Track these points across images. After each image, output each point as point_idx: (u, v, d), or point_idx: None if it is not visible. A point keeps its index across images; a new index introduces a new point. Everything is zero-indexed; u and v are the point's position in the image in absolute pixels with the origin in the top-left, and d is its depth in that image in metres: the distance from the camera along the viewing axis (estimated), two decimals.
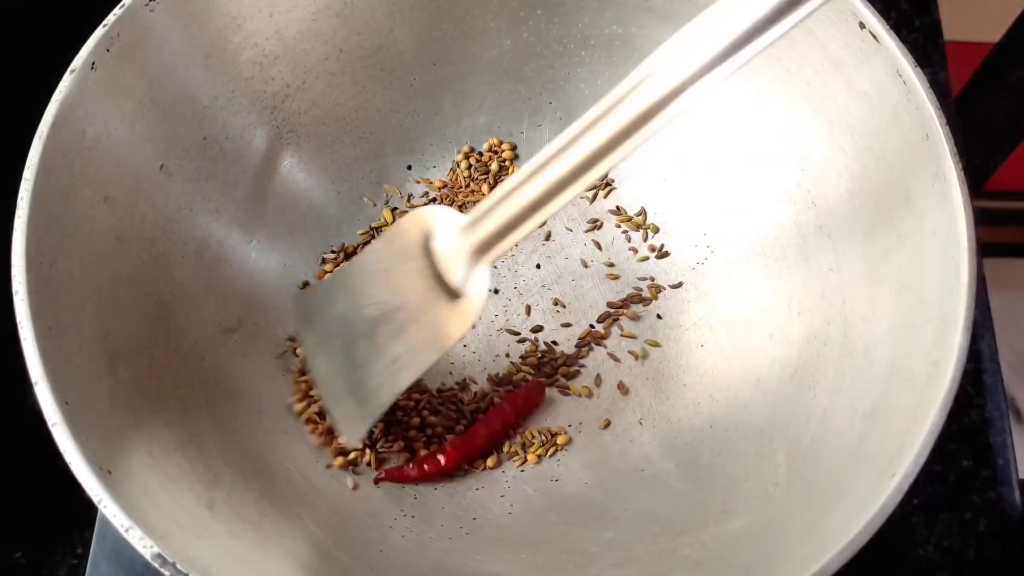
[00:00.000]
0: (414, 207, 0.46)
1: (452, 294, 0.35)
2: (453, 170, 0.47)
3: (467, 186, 0.46)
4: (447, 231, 0.34)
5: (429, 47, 0.44)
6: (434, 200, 0.46)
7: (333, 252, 0.45)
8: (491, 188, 0.46)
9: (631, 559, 0.35)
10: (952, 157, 0.32)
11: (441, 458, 0.39)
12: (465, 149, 0.47)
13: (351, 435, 0.38)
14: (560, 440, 0.41)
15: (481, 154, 0.47)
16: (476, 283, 0.34)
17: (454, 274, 0.34)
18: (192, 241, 0.39)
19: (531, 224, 0.32)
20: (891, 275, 0.34)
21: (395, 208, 0.46)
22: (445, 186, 0.47)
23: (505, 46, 0.45)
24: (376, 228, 0.46)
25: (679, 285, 0.44)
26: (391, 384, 0.36)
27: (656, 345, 0.43)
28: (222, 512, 0.33)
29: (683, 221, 0.45)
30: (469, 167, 0.47)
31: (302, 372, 0.41)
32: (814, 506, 0.31)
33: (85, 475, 0.28)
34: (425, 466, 0.39)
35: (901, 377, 0.32)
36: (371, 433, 0.40)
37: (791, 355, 0.38)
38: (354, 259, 0.38)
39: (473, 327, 0.35)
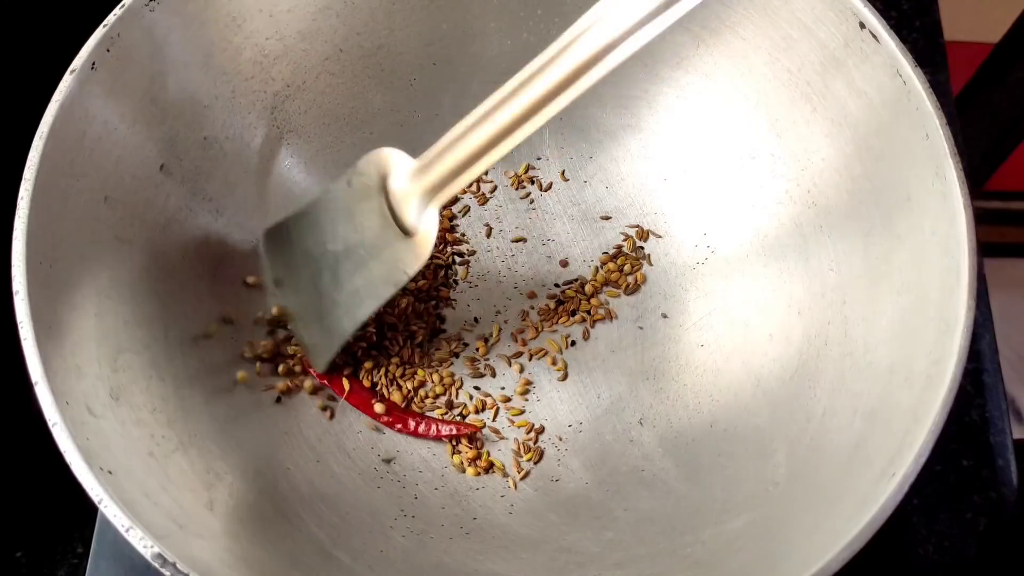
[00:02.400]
0: None
1: (407, 232, 0.37)
2: None
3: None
4: (401, 172, 0.36)
5: (429, 47, 0.44)
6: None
7: None
8: None
9: (631, 559, 0.35)
10: (952, 157, 0.32)
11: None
12: None
13: (318, 362, 0.40)
14: (559, 440, 0.41)
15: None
16: (428, 222, 0.36)
17: (408, 213, 0.36)
18: (192, 241, 0.39)
19: (479, 168, 0.34)
20: (891, 275, 0.34)
21: None
22: None
23: (505, 46, 0.45)
24: None
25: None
26: (352, 315, 0.38)
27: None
28: (222, 512, 0.33)
29: (683, 221, 0.45)
30: None
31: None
32: (814, 506, 0.31)
33: (85, 475, 0.28)
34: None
35: (901, 377, 0.32)
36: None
37: (791, 355, 0.38)
38: (318, 197, 0.40)
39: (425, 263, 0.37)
